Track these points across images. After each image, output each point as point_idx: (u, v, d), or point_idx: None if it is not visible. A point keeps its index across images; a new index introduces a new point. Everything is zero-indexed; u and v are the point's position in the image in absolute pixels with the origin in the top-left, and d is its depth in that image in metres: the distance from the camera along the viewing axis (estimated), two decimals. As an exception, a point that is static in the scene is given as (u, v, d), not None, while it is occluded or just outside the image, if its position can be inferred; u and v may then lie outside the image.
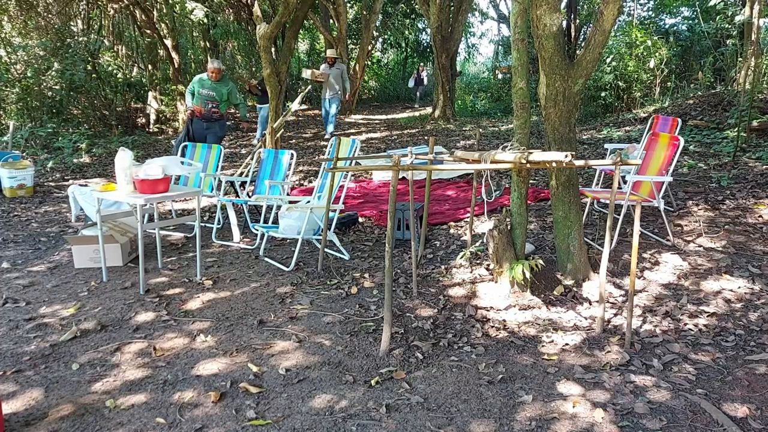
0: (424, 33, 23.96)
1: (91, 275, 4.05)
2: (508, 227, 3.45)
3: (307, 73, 10.76)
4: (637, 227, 2.87)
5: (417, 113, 16.78)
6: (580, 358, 2.76)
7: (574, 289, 3.52)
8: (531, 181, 6.65)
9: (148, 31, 12.96)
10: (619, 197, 4.23)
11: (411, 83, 20.80)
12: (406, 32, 23.23)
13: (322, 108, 11.23)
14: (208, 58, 14.53)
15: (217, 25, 13.79)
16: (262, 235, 4.74)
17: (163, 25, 13.45)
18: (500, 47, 21.62)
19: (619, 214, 4.37)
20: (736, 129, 7.06)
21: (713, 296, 3.38)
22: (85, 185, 6.17)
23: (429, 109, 16.37)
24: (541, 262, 3.33)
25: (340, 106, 11.07)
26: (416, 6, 17.41)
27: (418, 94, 20.42)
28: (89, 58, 11.75)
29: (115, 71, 13.04)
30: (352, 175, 6.20)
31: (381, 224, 5.26)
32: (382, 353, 2.82)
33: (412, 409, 2.36)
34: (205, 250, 4.66)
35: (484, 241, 3.96)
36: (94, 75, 11.98)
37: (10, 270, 4.19)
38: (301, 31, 17.03)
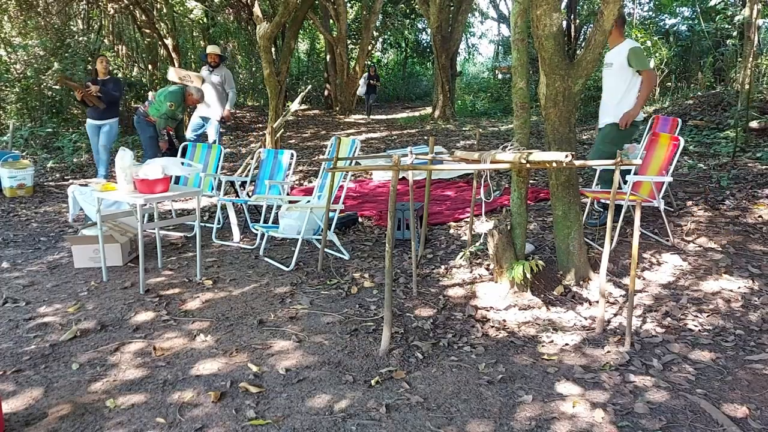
0: (424, 33, 23.99)
1: (91, 275, 4.05)
2: (508, 227, 3.45)
3: (171, 74, 7.41)
4: (637, 227, 2.87)
5: (417, 113, 16.78)
6: (579, 358, 2.76)
7: (574, 289, 3.53)
8: (531, 181, 6.65)
9: (148, 31, 12.97)
10: (619, 197, 4.23)
11: (362, 89, 16.11)
12: (406, 32, 23.25)
13: (188, 132, 7.47)
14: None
15: (216, 24, 13.78)
16: (262, 235, 4.74)
17: (163, 25, 13.46)
18: (500, 47, 21.64)
19: (619, 215, 4.37)
20: (735, 129, 7.07)
21: (713, 296, 3.38)
22: (85, 185, 6.17)
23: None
24: (541, 262, 3.33)
25: (221, 129, 7.53)
26: (416, 6, 17.41)
27: (370, 102, 16.14)
28: (89, 58, 11.75)
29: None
30: (351, 175, 6.20)
31: (381, 224, 5.26)
32: (382, 353, 2.82)
33: (412, 408, 2.36)
34: (205, 250, 4.66)
35: (483, 241, 3.96)
36: (94, 75, 11.98)
37: (10, 270, 4.19)
38: (301, 31, 17.03)
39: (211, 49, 7.51)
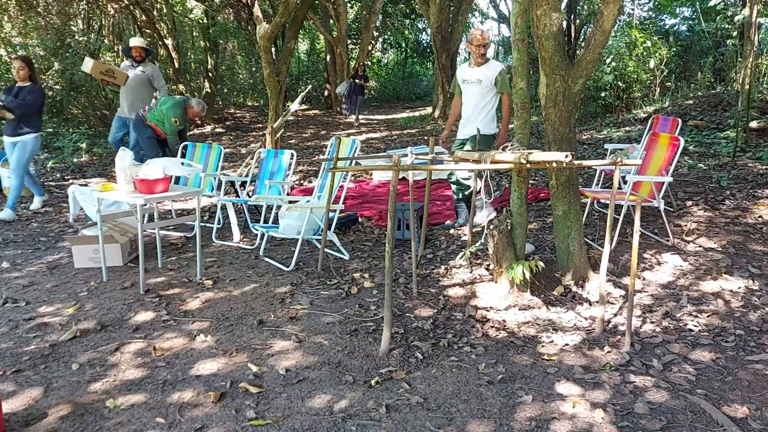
0: (424, 33, 24.00)
1: (91, 275, 4.05)
2: (509, 227, 3.45)
3: (88, 66, 6.51)
4: (637, 227, 2.87)
5: (417, 113, 16.75)
6: (579, 359, 2.76)
7: (574, 289, 3.52)
8: (531, 181, 6.65)
9: (148, 31, 12.96)
10: (619, 197, 4.23)
11: (343, 90, 14.57)
12: (406, 32, 23.26)
13: (110, 135, 6.90)
14: (208, 58, 14.53)
15: (216, 24, 13.78)
16: (262, 235, 4.74)
17: (163, 25, 13.46)
18: (500, 47, 21.63)
19: (619, 214, 4.37)
20: (736, 129, 7.07)
21: (713, 296, 3.38)
22: (86, 185, 6.16)
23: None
24: (540, 262, 3.33)
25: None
26: (416, 6, 17.42)
27: (357, 105, 14.48)
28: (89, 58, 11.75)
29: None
30: (351, 175, 6.19)
31: (381, 224, 5.26)
32: (382, 353, 2.82)
33: (412, 409, 2.36)
34: (205, 250, 4.66)
35: (483, 241, 3.97)
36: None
37: (10, 270, 4.19)
38: (301, 31, 17.02)
39: (134, 41, 6.76)
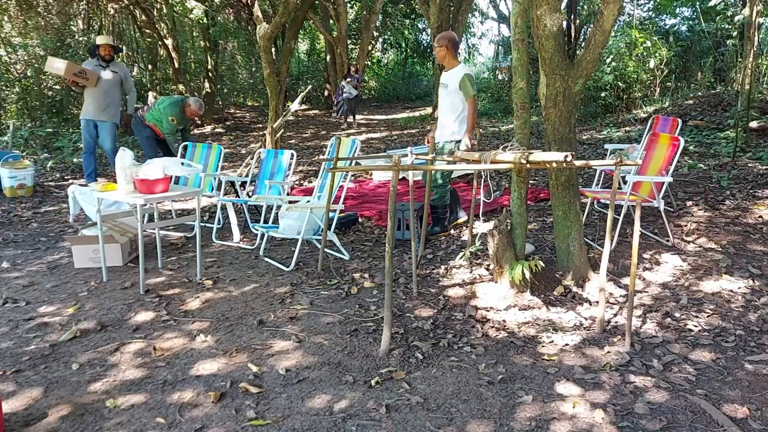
0: (424, 33, 24.00)
1: (91, 275, 4.05)
2: (509, 227, 3.45)
3: (53, 66, 6.22)
4: (637, 227, 2.87)
5: (417, 113, 16.73)
6: (579, 359, 2.76)
7: (574, 289, 3.52)
8: (531, 181, 6.65)
9: (148, 31, 12.97)
10: (619, 197, 4.23)
11: (349, 93, 13.74)
12: (406, 32, 23.27)
13: (83, 144, 6.59)
14: (208, 58, 14.53)
15: (216, 24, 13.78)
16: (262, 235, 4.74)
17: (163, 25, 13.46)
18: (500, 47, 21.62)
19: (619, 214, 4.37)
20: (736, 129, 7.07)
21: (713, 296, 3.38)
22: (86, 185, 6.16)
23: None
24: (540, 262, 3.33)
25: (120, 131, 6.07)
26: (416, 6, 17.40)
27: (352, 105, 13.88)
28: (89, 58, 11.76)
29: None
30: (351, 175, 6.19)
31: (381, 224, 5.26)
32: (382, 353, 2.82)
33: (412, 409, 2.36)
34: (205, 250, 4.66)
35: (483, 241, 3.96)
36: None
37: (10, 270, 4.19)
38: (301, 31, 17.02)
39: (102, 39, 6.39)
